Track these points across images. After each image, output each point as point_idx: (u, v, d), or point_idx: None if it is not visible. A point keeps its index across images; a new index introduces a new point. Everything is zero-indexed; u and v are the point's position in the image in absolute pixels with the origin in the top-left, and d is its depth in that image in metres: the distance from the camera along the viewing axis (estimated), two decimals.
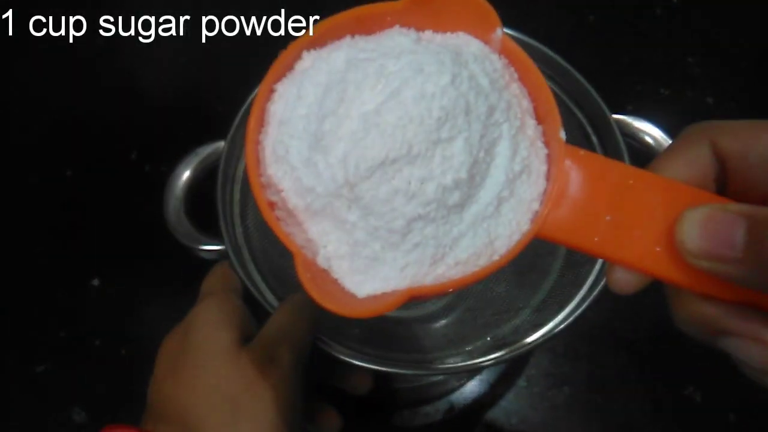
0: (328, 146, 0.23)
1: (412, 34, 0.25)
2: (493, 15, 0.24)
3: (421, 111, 0.22)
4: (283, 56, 0.25)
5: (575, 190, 0.23)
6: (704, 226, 0.19)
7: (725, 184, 0.21)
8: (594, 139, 0.46)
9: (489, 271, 0.23)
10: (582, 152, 0.23)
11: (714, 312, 0.20)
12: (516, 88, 0.25)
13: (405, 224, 0.23)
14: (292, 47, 0.25)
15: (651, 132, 0.45)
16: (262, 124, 0.25)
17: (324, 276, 0.24)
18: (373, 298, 0.23)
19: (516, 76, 0.25)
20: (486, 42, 0.25)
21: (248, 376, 0.33)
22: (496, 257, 0.23)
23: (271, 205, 0.24)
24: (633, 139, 0.45)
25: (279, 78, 0.25)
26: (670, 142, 0.42)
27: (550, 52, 0.47)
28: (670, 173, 0.21)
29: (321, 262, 0.24)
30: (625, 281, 0.22)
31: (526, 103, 0.25)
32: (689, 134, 0.21)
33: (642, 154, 0.45)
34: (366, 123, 0.22)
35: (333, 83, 0.24)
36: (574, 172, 0.23)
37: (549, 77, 0.47)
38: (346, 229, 0.24)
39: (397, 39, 0.25)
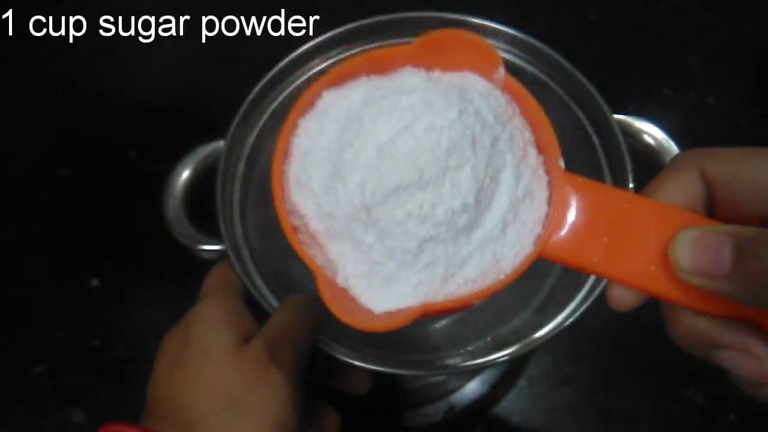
0: (347, 174, 0.25)
1: (423, 73, 0.28)
2: (494, 55, 0.27)
3: (431, 142, 0.24)
4: (306, 95, 0.28)
5: (575, 214, 0.25)
6: (695, 246, 0.21)
7: (714, 207, 0.23)
8: (595, 139, 0.46)
9: (495, 290, 0.25)
10: (580, 179, 0.25)
11: (706, 326, 0.22)
12: (518, 121, 0.27)
13: (418, 245, 0.25)
14: (314, 87, 0.28)
15: (652, 132, 0.45)
16: (286, 155, 0.28)
17: (343, 293, 0.26)
18: (389, 314, 0.25)
19: (518, 110, 0.27)
20: (490, 80, 0.27)
21: (248, 375, 0.33)
22: (502, 276, 0.26)
23: (295, 229, 0.27)
24: (634, 139, 0.45)
25: (302, 114, 0.28)
26: (672, 142, 0.43)
27: (552, 52, 0.47)
28: (663, 197, 0.23)
29: (340, 281, 0.26)
30: (623, 298, 0.24)
31: (527, 135, 0.27)
32: (679, 161, 0.23)
33: (643, 155, 0.45)
34: (381, 153, 0.25)
35: (351, 118, 0.26)
36: (574, 198, 0.25)
37: (550, 76, 0.47)
38: (363, 250, 0.26)
39: (409, 78, 0.28)
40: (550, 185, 0.26)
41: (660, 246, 0.23)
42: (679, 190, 0.23)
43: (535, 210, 0.26)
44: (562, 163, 0.26)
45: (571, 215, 0.25)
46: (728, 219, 0.22)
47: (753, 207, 0.22)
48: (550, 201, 0.26)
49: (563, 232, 0.25)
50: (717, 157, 0.22)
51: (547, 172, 0.26)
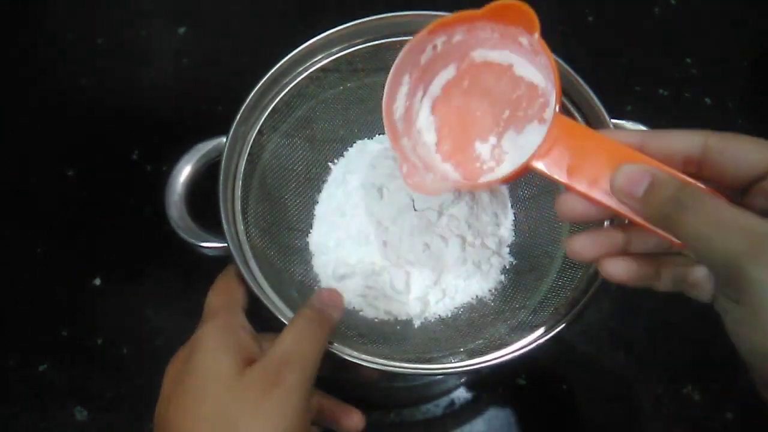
0: None
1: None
2: (535, 20, 0.36)
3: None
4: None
5: (556, 143, 0.34)
6: (626, 175, 0.30)
7: (701, 167, 0.31)
8: None
9: (504, 179, 0.37)
10: (566, 120, 0.34)
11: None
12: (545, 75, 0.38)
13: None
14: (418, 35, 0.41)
15: None
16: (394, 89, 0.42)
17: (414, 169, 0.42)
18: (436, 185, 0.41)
19: (545, 63, 0.36)
20: (531, 35, 0.37)
21: (249, 400, 0.33)
22: (506, 173, 0.37)
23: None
24: None
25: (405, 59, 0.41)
26: None
27: (554, 56, 0.47)
28: (669, 138, 0.32)
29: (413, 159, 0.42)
30: (572, 205, 0.33)
31: (548, 85, 0.38)
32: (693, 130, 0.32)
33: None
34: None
35: None
36: (559, 131, 0.34)
37: None
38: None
39: None
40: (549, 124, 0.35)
41: (606, 168, 0.32)
42: (685, 138, 0.31)
43: (537, 138, 0.35)
44: (557, 108, 0.35)
45: (553, 143, 0.34)
46: (708, 178, 0.31)
47: (731, 173, 0.30)
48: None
49: (546, 153, 0.34)
50: (721, 134, 0.31)
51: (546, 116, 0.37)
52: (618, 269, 0.33)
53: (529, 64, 0.40)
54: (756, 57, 0.67)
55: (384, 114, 0.41)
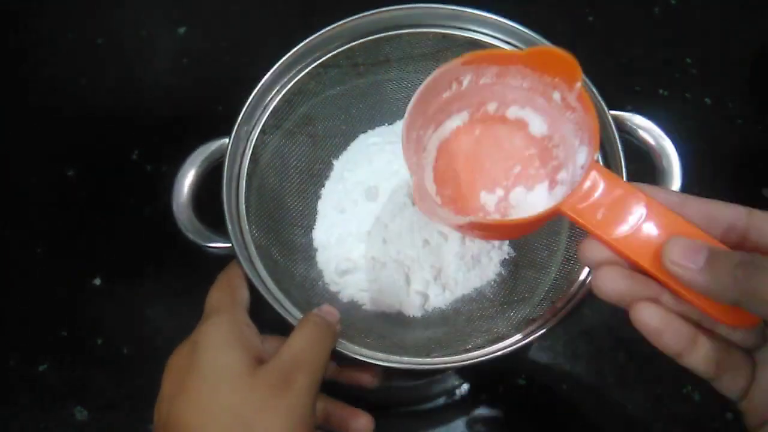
0: None
1: None
2: (578, 71, 0.35)
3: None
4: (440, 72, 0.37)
5: (591, 190, 0.33)
6: (682, 249, 0.29)
7: (742, 242, 0.30)
8: None
9: (530, 221, 0.34)
10: (604, 170, 0.33)
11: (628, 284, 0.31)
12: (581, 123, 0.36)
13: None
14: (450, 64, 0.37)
15: (649, 128, 0.46)
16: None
17: (425, 194, 0.36)
18: (449, 217, 0.35)
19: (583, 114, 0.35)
20: (570, 88, 0.36)
21: (261, 399, 0.33)
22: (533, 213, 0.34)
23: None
24: (630, 135, 0.46)
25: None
26: (667, 138, 0.44)
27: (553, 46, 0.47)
28: (713, 205, 0.31)
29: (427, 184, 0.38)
30: (593, 251, 0.32)
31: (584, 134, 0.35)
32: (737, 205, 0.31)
33: (638, 150, 0.46)
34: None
35: None
36: (594, 180, 0.33)
37: None
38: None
39: None
40: (585, 168, 0.34)
41: (641, 228, 0.31)
42: (728, 209, 0.30)
43: (545, 197, 0.36)
44: (597, 156, 0.34)
45: (589, 190, 0.33)
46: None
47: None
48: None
49: (581, 199, 0.33)
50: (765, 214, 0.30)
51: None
52: (654, 319, 0.30)
53: (552, 121, 0.38)
54: (756, 57, 0.68)
55: (403, 138, 0.37)
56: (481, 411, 0.53)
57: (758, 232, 0.29)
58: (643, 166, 0.46)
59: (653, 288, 0.31)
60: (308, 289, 0.49)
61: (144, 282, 0.58)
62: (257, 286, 0.42)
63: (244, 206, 0.46)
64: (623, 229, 0.31)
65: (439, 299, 0.50)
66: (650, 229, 0.31)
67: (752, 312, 0.27)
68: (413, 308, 0.49)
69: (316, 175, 0.54)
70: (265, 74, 0.48)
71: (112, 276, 0.58)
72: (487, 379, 0.54)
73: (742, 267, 0.26)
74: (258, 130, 0.48)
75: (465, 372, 0.54)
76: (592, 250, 0.32)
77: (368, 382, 0.44)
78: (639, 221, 0.31)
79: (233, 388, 0.34)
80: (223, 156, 0.46)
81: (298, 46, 0.49)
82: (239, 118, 0.47)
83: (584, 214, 0.32)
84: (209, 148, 0.46)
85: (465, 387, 0.54)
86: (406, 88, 0.54)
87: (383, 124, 0.56)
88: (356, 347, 0.42)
